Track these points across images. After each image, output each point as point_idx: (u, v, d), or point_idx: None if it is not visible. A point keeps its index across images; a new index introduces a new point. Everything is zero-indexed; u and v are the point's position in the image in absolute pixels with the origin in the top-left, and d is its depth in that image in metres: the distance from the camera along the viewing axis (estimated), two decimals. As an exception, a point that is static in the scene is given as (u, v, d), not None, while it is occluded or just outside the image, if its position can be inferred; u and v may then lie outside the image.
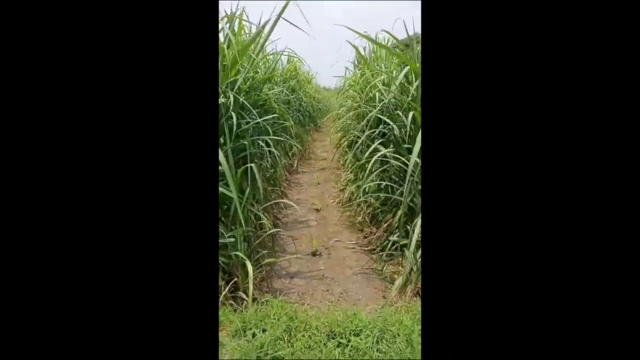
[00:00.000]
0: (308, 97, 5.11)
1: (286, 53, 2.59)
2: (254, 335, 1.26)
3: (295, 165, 4.31)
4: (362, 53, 3.32)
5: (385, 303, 1.63)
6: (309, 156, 5.07)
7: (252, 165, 1.61)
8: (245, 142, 1.70)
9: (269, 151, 2.09)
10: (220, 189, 1.57)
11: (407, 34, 2.34)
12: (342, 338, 1.20)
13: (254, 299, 1.57)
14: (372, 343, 1.15)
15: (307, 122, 4.88)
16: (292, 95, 3.59)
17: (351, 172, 3.26)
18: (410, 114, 1.92)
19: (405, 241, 1.88)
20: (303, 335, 1.22)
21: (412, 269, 1.68)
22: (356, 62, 3.97)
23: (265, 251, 1.93)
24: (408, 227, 1.92)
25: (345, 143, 3.56)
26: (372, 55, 3.21)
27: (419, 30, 2.84)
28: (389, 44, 2.92)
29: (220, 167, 1.62)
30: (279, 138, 2.40)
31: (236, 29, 1.80)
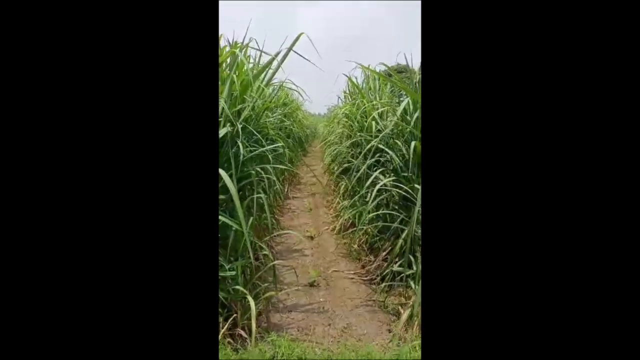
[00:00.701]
0: (298, 123, 5.17)
1: (287, 85, 2.62)
2: (260, 379, 1.17)
3: (286, 190, 4.26)
4: (355, 82, 3.43)
5: (392, 338, 1.57)
6: (299, 181, 5.04)
7: (262, 195, 1.57)
8: (250, 171, 1.66)
9: (268, 178, 2.06)
10: (224, 218, 1.50)
11: (407, 63, 2.44)
12: (358, 381, 1.13)
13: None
14: (391, 386, 1.09)
15: (296, 147, 4.91)
16: (285, 121, 3.62)
17: (345, 199, 3.26)
18: (412, 144, 1.96)
19: (410, 271, 1.85)
20: (316, 379, 1.14)
21: (419, 302, 1.64)
22: (347, 91, 4.09)
23: (266, 284, 1.84)
24: (411, 257, 1.90)
25: (339, 170, 3.57)
26: (366, 85, 3.32)
27: (417, 62, 2.98)
28: (385, 74, 3.03)
29: (221, 196, 1.57)
30: (282, 166, 2.37)
31: (239, 61, 1.81)
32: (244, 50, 1.68)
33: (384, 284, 2.00)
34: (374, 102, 2.80)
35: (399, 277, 1.96)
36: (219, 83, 1.60)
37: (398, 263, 2.00)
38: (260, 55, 2.17)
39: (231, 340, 1.49)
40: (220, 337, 1.46)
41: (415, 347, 1.33)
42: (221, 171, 1.38)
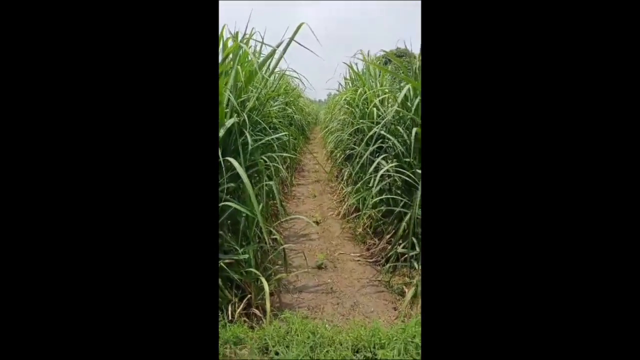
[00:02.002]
0: (299, 110, 5.19)
1: (289, 73, 2.65)
2: (276, 353, 1.26)
3: (291, 177, 4.33)
4: (356, 70, 3.43)
5: (398, 315, 1.67)
6: (302, 168, 5.11)
7: (272, 182, 1.64)
8: (258, 160, 1.73)
9: (274, 166, 2.12)
10: (235, 205, 1.58)
11: (406, 48, 2.45)
12: (367, 352, 1.22)
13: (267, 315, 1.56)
14: (398, 355, 1.18)
15: (299, 135, 4.95)
16: (288, 109, 3.65)
17: (348, 185, 3.32)
18: (414, 131, 2.00)
19: (413, 252, 1.94)
20: (328, 351, 1.23)
21: (422, 280, 1.73)
22: (348, 77, 4.09)
23: (277, 266, 1.93)
24: (414, 239, 1.98)
25: (342, 156, 3.62)
26: (366, 72, 3.32)
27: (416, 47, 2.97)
28: (384, 60, 3.04)
29: (231, 184, 1.64)
30: (286, 154, 2.43)
31: (242, 52, 1.84)
32: (246, 41, 1.71)
33: (388, 265, 2.08)
34: (375, 90, 2.82)
35: (402, 258, 2.04)
36: (224, 74, 1.65)
37: (402, 245, 2.08)
38: (262, 47, 2.20)
39: (246, 319, 1.59)
40: (236, 316, 1.56)
41: (418, 322, 1.42)
42: (232, 160, 1.44)
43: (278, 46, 1.64)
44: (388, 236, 2.34)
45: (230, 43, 1.68)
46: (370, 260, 2.34)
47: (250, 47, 1.95)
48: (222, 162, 1.44)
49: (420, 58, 2.27)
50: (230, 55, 1.61)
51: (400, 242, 2.11)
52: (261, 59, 2.02)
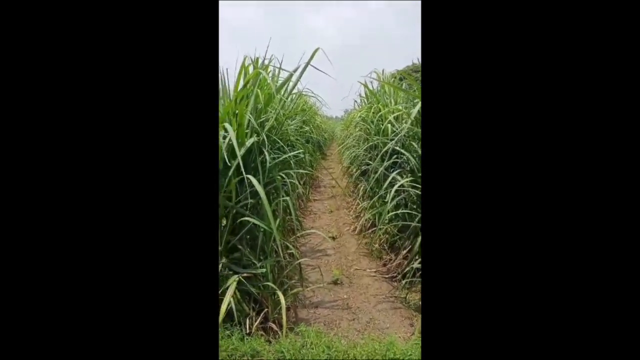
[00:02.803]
0: (316, 128, 5.32)
1: (306, 94, 2.77)
2: (292, 365, 1.29)
3: (307, 193, 4.40)
4: (371, 88, 3.52)
5: (414, 331, 1.66)
6: (319, 184, 5.18)
7: (288, 198, 1.71)
8: (275, 177, 1.81)
9: (291, 182, 2.20)
10: (254, 220, 1.65)
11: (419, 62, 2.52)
12: (382, 366, 1.23)
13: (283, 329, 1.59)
14: (413, 370, 1.18)
15: (315, 151, 5.05)
16: (304, 127, 3.77)
17: (364, 201, 3.35)
18: (427, 146, 2.03)
19: (429, 268, 1.93)
20: (343, 365, 1.25)
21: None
22: (364, 94, 4.19)
23: (293, 281, 1.97)
24: (430, 254, 1.97)
25: (358, 172, 3.67)
26: (380, 89, 3.41)
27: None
28: (398, 78, 3.11)
29: (251, 200, 1.72)
30: (303, 171, 2.51)
31: (261, 77, 1.96)
32: (265, 67, 1.83)
33: (405, 280, 2.08)
34: (390, 107, 2.89)
35: (419, 274, 2.03)
36: (245, 98, 1.77)
37: (418, 260, 2.07)
38: (279, 71, 2.34)
39: (263, 333, 1.62)
40: (253, 329, 1.61)
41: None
42: (251, 177, 1.53)
43: (295, 71, 1.75)
44: (404, 251, 2.34)
45: (251, 69, 1.81)
46: (387, 276, 2.34)
47: (269, 72, 2.07)
48: (245, 179, 1.53)
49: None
50: (251, 81, 1.73)
51: (417, 257, 2.10)
52: (279, 82, 2.15)
